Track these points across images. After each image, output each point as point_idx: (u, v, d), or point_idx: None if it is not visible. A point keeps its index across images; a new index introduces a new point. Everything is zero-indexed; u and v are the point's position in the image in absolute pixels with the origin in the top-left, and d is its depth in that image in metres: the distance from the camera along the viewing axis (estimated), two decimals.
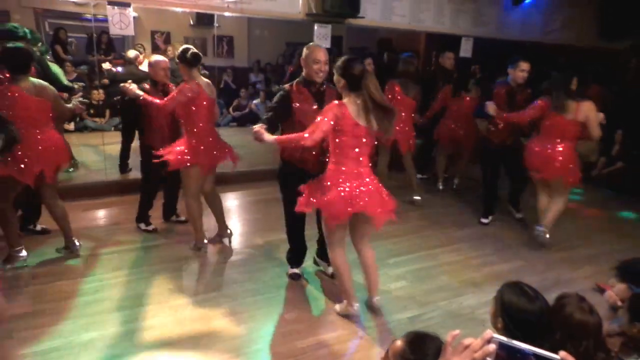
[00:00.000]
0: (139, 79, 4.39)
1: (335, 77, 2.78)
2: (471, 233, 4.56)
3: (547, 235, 4.17)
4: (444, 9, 6.74)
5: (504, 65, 6.61)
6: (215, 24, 10.21)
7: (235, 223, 4.57)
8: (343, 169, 2.72)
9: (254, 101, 9.51)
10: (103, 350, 2.59)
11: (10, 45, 3.33)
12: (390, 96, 4.92)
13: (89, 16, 9.75)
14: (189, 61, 3.56)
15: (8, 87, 3.16)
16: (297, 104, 3.06)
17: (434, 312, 3.12)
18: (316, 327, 2.91)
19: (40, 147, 3.25)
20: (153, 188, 4.26)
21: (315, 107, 3.05)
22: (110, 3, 4.86)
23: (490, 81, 5.69)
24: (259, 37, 10.86)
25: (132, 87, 3.74)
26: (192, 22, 10.38)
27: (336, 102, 2.70)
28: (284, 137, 2.81)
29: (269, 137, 2.70)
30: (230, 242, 4.10)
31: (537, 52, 6.52)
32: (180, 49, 3.67)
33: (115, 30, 4.81)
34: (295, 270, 3.50)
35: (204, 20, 10.19)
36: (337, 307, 3.08)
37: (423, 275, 3.63)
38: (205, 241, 3.95)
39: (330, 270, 3.53)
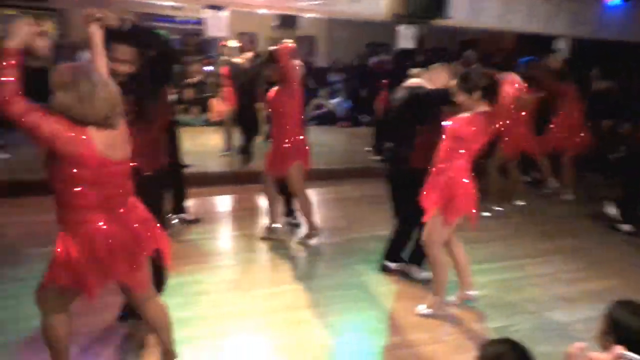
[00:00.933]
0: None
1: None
2: (562, 245, 4.30)
3: None
4: (537, 8, 6.41)
5: (602, 67, 6.14)
6: (297, 25, 10.51)
7: (316, 220, 4.66)
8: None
9: (333, 100, 9.64)
10: (196, 329, 2.79)
11: None
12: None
13: (181, 19, 10.47)
14: None
15: None
16: None
17: (520, 324, 2.99)
18: (398, 327, 2.92)
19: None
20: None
21: None
22: (207, 7, 5.19)
23: (588, 84, 5.35)
24: (339, 37, 10.99)
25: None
26: (275, 24, 10.74)
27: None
28: None
29: None
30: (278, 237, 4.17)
31: None
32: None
33: (212, 32, 5.13)
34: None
35: (286, 21, 10.51)
36: (422, 307, 3.06)
37: (508, 286, 3.49)
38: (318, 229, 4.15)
39: (422, 275, 3.49)
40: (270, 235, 4.09)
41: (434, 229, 2.89)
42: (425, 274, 3.43)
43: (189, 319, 2.88)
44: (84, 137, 1.79)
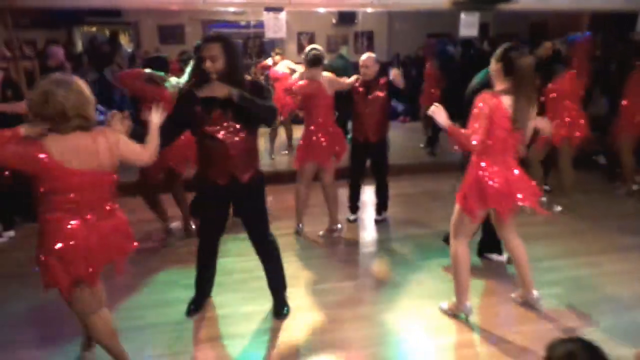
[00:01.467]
0: None
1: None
2: None
3: None
4: None
5: None
6: (356, 21, 10.46)
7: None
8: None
9: None
10: (259, 323, 2.90)
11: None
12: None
13: (243, 23, 10.82)
14: (308, 61, 3.83)
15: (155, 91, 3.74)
16: None
17: (597, 325, 2.79)
18: (461, 325, 2.83)
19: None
20: (356, 177, 4.41)
21: None
22: (266, 9, 5.31)
23: None
24: (399, 30, 10.81)
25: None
26: (334, 21, 10.77)
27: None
28: (457, 129, 2.61)
29: (444, 119, 2.60)
30: (339, 235, 4.19)
31: None
32: (307, 48, 3.93)
33: (270, 34, 5.24)
34: (507, 254, 3.37)
35: (345, 18, 10.50)
36: (444, 304, 2.98)
37: (583, 284, 3.27)
38: (300, 225, 4.23)
39: (502, 258, 3.53)
40: (324, 235, 4.17)
41: (459, 221, 2.76)
42: (505, 256, 3.49)
43: (252, 312, 3.00)
44: (40, 150, 1.97)
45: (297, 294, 3.20)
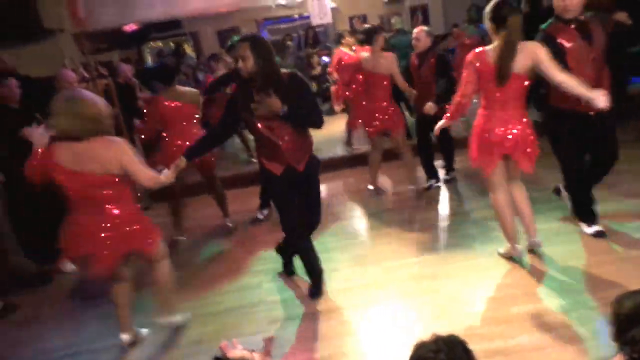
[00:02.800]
0: None
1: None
2: None
3: None
4: None
5: None
6: None
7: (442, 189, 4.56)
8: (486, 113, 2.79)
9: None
10: (331, 303, 2.97)
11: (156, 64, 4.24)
12: None
13: (296, 16, 10.97)
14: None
15: (155, 99, 4.07)
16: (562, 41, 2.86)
17: None
18: (533, 295, 2.71)
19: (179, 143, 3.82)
20: (423, 150, 4.58)
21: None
22: None
23: None
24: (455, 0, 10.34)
25: None
26: (385, 0, 10.56)
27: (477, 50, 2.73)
28: None
29: None
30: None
31: None
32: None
33: (316, 20, 5.33)
34: (597, 228, 3.17)
35: None
36: (501, 249, 3.13)
37: None
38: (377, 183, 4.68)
39: (589, 230, 3.19)
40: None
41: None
42: (594, 229, 3.18)
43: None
44: (51, 158, 2.36)
45: (365, 272, 3.24)
